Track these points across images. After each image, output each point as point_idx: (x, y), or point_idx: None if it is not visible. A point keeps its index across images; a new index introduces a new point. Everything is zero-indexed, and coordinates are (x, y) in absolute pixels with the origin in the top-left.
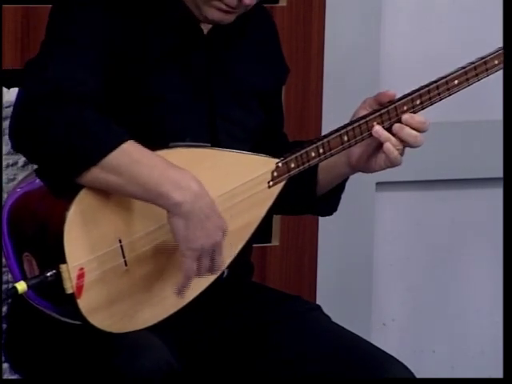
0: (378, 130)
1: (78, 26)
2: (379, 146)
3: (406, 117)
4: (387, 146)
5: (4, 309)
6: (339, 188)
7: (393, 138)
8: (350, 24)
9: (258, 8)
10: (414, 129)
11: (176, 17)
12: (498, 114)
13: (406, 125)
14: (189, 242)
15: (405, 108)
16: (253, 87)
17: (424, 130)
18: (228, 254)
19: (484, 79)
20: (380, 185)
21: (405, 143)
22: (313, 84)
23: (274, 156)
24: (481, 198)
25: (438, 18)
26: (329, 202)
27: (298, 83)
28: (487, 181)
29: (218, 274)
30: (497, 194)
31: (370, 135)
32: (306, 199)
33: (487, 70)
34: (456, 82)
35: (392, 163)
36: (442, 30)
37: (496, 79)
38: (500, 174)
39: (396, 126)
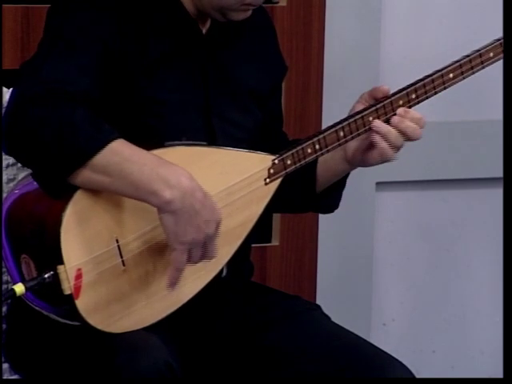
0: (377, 124)
1: (74, 26)
2: (368, 139)
3: (400, 111)
4: (376, 138)
5: (4, 309)
6: (339, 185)
7: (393, 131)
8: (350, 24)
9: (257, 9)
10: None
11: (175, 17)
12: (498, 113)
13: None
14: (178, 237)
15: (400, 102)
16: (250, 87)
17: (420, 126)
18: (226, 252)
19: (484, 79)
20: (380, 185)
21: (404, 135)
22: (313, 84)
23: (273, 155)
24: (481, 198)
25: (438, 18)
26: (329, 198)
27: (298, 83)
28: (487, 181)
29: (211, 260)
30: (497, 194)
31: (366, 131)
32: (306, 196)
33: (482, 62)
34: (451, 75)
35: (382, 157)
36: (442, 29)
37: (496, 79)
38: (500, 174)
39: (395, 119)
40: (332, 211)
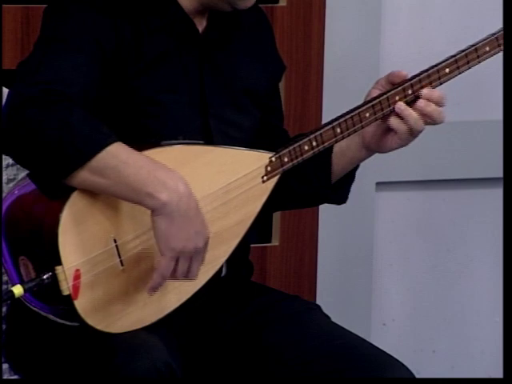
0: (400, 106)
1: (70, 26)
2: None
3: (425, 91)
4: (394, 122)
5: (3, 309)
6: (350, 176)
7: (414, 114)
8: (350, 24)
9: (253, 7)
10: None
11: (171, 17)
12: (498, 113)
13: (427, 99)
14: (169, 241)
15: (397, 98)
16: (246, 86)
17: (443, 104)
18: (224, 250)
19: (484, 79)
20: (380, 185)
21: (429, 118)
22: (313, 84)
23: (270, 152)
24: (481, 198)
25: (438, 18)
26: (343, 189)
27: (298, 83)
28: (487, 181)
29: (194, 280)
30: (497, 194)
31: (363, 126)
32: (322, 187)
33: (478, 57)
34: (447, 70)
35: (402, 140)
36: (442, 29)
37: (496, 79)
38: (500, 173)
39: (421, 102)
40: (344, 202)
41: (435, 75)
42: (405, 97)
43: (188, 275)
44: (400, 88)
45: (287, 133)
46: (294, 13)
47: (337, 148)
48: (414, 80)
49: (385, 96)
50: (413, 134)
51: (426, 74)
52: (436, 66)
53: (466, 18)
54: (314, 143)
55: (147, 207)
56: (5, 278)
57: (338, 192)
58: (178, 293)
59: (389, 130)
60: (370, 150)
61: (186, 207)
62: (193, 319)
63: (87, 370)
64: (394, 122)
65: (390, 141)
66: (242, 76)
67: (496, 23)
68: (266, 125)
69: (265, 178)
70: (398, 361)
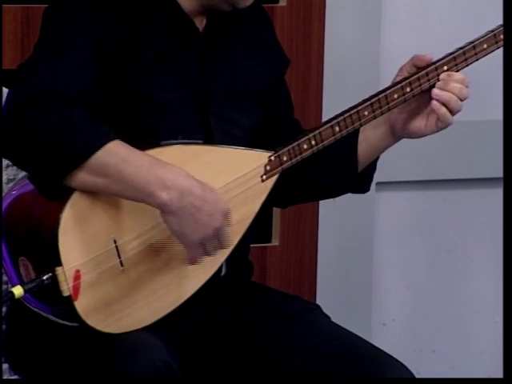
0: (438, 92)
1: (70, 26)
2: (420, 108)
3: (443, 75)
4: (437, 106)
5: (3, 310)
6: (373, 166)
7: (454, 97)
8: (350, 24)
9: (253, 6)
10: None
11: (171, 16)
12: (498, 113)
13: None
14: (186, 236)
15: (395, 96)
16: (247, 86)
17: (465, 85)
18: (224, 250)
19: (483, 79)
20: (380, 185)
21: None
22: (313, 84)
23: (269, 151)
24: (481, 198)
25: (438, 18)
26: (366, 179)
27: (298, 83)
28: (487, 181)
29: (228, 247)
30: (497, 194)
31: (361, 125)
32: (348, 178)
33: (476, 54)
34: (445, 67)
35: (443, 123)
36: (442, 29)
37: (496, 79)
38: (500, 174)
39: (440, 84)
40: (368, 191)
41: (433, 73)
42: (403, 94)
43: (221, 248)
44: (398, 86)
45: (298, 122)
46: (294, 13)
47: (362, 137)
48: (413, 78)
49: (383, 94)
50: (440, 121)
51: (424, 72)
52: (434, 63)
53: (466, 18)
54: (313, 142)
55: (151, 205)
56: (5, 278)
57: (363, 181)
58: (177, 292)
59: (414, 114)
60: (397, 136)
61: (190, 199)
62: (192, 319)
63: (87, 370)
64: (436, 105)
65: (414, 126)
66: (242, 75)
67: (496, 23)
68: (273, 119)
69: (264, 177)
70: (397, 361)
